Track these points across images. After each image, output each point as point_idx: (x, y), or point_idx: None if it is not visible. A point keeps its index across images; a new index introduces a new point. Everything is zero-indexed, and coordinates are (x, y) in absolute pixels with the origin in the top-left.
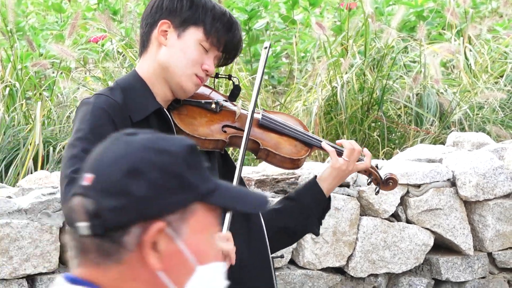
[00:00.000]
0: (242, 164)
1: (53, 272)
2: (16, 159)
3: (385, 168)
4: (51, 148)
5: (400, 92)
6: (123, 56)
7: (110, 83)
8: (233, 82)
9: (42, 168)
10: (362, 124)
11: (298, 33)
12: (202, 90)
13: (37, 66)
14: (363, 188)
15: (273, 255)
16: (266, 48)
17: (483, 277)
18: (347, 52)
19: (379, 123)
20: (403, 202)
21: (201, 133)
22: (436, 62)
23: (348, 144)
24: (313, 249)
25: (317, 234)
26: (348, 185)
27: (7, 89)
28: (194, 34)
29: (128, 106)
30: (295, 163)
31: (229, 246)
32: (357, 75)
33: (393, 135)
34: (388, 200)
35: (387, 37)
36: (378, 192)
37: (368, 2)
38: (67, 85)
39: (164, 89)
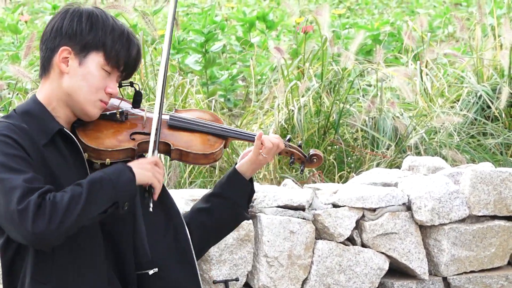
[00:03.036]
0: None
1: None
2: None
3: (341, 191)
4: None
5: (357, 116)
6: None
7: None
8: (135, 89)
9: None
10: (319, 147)
11: (255, 55)
12: (112, 101)
13: None
14: (319, 211)
15: (228, 278)
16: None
17: None
18: (304, 75)
19: (335, 146)
20: (358, 225)
21: (108, 145)
22: (405, 85)
23: (267, 142)
24: (268, 272)
25: (248, 218)
26: (303, 209)
27: None
28: (95, 60)
29: (30, 131)
30: (210, 157)
31: (160, 171)
32: (314, 99)
33: (349, 158)
34: (344, 224)
35: (345, 60)
36: (303, 170)
37: (325, 26)
38: None
39: (67, 113)
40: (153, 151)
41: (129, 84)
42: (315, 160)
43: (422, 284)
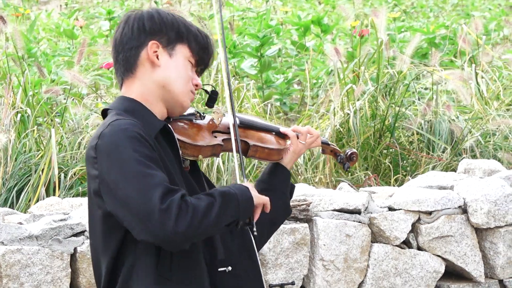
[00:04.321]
0: (244, 166)
1: None
2: (28, 186)
3: (396, 195)
4: (62, 175)
5: (412, 119)
6: None
7: None
8: (207, 90)
9: (53, 194)
10: (374, 151)
11: (310, 59)
12: None
13: (50, 92)
14: (374, 215)
15: (284, 282)
16: (217, 1)
17: None
18: (359, 79)
19: (391, 150)
20: (414, 229)
21: (199, 141)
22: (462, 88)
23: (302, 128)
24: (324, 276)
25: (290, 211)
26: (359, 212)
27: (19, 115)
28: (182, 52)
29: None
30: (281, 153)
31: (266, 197)
32: (370, 102)
33: (405, 162)
34: (400, 227)
35: (401, 64)
36: (348, 167)
37: (381, 29)
38: (79, 111)
39: (161, 108)
40: (237, 149)
41: (203, 89)
42: (354, 158)
43: (478, 286)
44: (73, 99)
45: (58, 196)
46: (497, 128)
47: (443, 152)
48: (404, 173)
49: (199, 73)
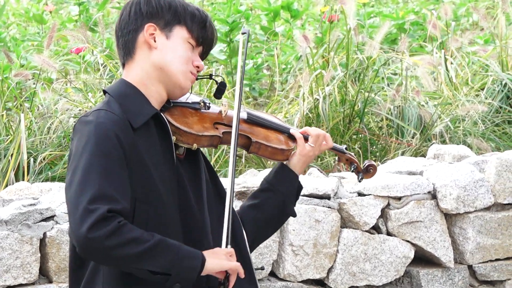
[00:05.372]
0: (235, 162)
1: (33, 283)
2: None
3: (365, 180)
4: (32, 159)
5: (382, 105)
6: (104, 67)
7: (90, 95)
8: (217, 81)
9: (23, 179)
10: (344, 136)
11: (280, 45)
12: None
13: (20, 76)
14: (344, 200)
15: (254, 267)
16: (244, 33)
17: None
18: (329, 64)
19: (360, 135)
20: (383, 214)
21: (197, 130)
22: (426, 74)
23: (313, 130)
24: (293, 261)
25: (295, 215)
26: (329, 197)
27: None
28: (180, 33)
29: (127, 114)
30: (286, 154)
31: (235, 263)
32: (339, 88)
33: (374, 147)
34: (369, 212)
35: (370, 50)
36: (361, 179)
37: (351, 15)
38: (48, 96)
39: (160, 91)
40: (235, 146)
41: (208, 76)
42: (371, 170)
43: (448, 272)
44: (42, 84)
45: (28, 181)
46: (466, 114)
47: (413, 137)
48: (374, 159)
49: (203, 55)
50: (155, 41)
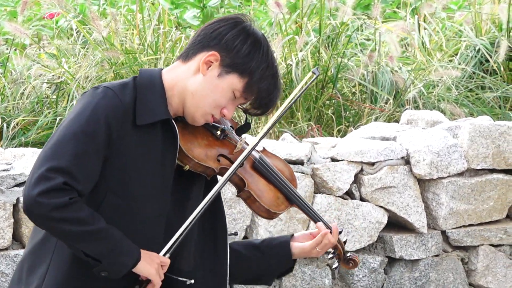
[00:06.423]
0: (216, 195)
1: (6, 249)
2: None
3: (339, 146)
4: (5, 125)
5: (355, 70)
6: (77, 32)
7: (64, 60)
8: (246, 118)
9: None
10: (317, 102)
11: (253, 10)
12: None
13: None
14: (317, 165)
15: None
16: (314, 73)
17: (437, 255)
18: (302, 30)
19: (333, 101)
20: (357, 180)
21: (195, 155)
22: (395, 40)
23: (327, 240)
24: (267, 226)
25: (270, 285)
26: (302, 163)
27: None
28: (234, 81)
29: (137, 106)
30: (271, 215)
31: (159, 278)
32: (312, 53)
33: (348, 113)
34: (342, 178)
35: (342, 15)
36: (337, 268)
37: None
38: (21, 62)
39: (179, 106)
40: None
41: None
42: (351, 264)
43: (421, 237)
44: (15, 50)
45: (1, 147)
46: (440, 79)
47: (386, 103)
48: (347, 124)
49: (254, 112)
50: (207, 68)
